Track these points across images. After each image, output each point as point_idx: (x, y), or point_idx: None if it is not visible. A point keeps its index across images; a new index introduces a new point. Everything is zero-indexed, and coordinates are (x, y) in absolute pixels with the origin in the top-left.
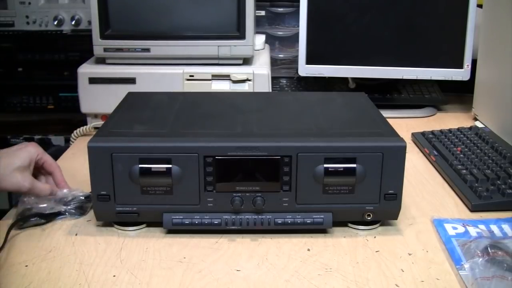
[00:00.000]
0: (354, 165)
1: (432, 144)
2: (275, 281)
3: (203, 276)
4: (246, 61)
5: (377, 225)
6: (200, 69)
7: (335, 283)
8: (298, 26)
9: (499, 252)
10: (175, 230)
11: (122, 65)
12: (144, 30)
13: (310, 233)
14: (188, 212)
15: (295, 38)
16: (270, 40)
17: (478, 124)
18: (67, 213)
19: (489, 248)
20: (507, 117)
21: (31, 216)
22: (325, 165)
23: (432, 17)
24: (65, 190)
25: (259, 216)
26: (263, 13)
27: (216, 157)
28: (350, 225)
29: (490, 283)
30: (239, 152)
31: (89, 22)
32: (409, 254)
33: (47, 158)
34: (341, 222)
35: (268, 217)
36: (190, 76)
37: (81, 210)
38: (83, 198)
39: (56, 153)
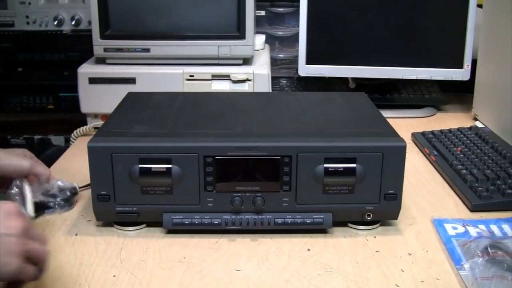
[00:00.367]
0: (354, 165)
1: (432, 144)
2: (275, 281)
3: (203, 276)
4: (246, 61)
5: (377, 225)
6: (200, 69)
7: (335, 283)
8: (298, 26)
9: (499, 252)
10: (175, 230)
11: (122, 65)
12: (144, 30)
13: (310, 233)
14: (188, 212)
15: (295, 38)
16: (270, 40)
17: (478, 124)
18: (56, 206)
19: (489, 248)
20: (507, 117)
21: None
22: (325, 165)
23: (432, 17)
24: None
25: (259, 216)
26: (263, 13)
27: (216, 157)
28: (350, 225)
29: (490, 283)
30: (239, 152)
31: (89, 22)
32: (409, 254)
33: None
34: (341, 222)
35: (268, 217)
36: (190, 76)
37: (69, 202)
38: (70, 190)
39: (56, 153)
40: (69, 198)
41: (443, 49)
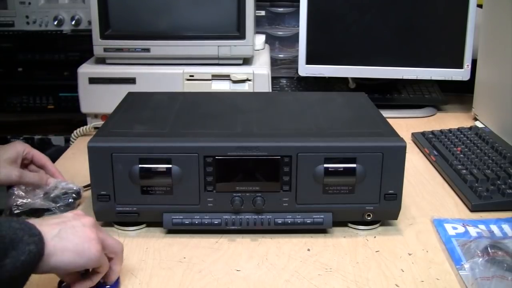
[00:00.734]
0: (354, 165)
1: (432, 144)
2: (275, 281)
3: (203, 276)
4: (246, 61)
5: (377, 225)
6: (200, 69)
7: (335, 283)
8: (298, 26)
9: (499, 252)
10: (175, 230)
11: (122, 65)
12: (144, 30)
13: (310, 233)
14: (188, 212)
15: (295, 38)
16: (270, 40)
17: (478, 124)
18: (57, 211)
19: (489, 248)
20: (507, 117)
21: (19, 214)
22: (325, 165)
23: (432, 17)
24: (57, 180)
25: (259, 216)
26: (263, 13)
27: (216, 157)
28: (350, 225)
29: (490, 283)
30: (239, 152)
31: (89, 22)
32: (409, 254)
33: (34, 153)
34: (341, 222)
35: (268, 217)
36: (190, 76)
37: (70, 207)
38: (73, 194)
39: (56, 153)
40: (70, 204)
41: (443, 49)
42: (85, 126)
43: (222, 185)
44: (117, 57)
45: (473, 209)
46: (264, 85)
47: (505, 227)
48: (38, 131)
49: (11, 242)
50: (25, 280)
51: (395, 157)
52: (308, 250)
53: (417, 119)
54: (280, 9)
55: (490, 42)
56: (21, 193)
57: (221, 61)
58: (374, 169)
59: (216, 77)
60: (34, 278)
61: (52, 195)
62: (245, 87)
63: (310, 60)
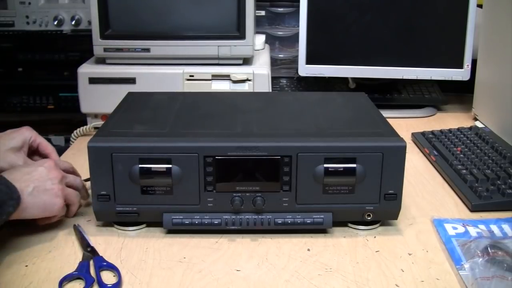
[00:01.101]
0: (354, 165)
1: (432, 144)
2: (275, 281)
3: (203, 276)
4: (246, 61)
5: (377, 225)
6: (200, 69)
7: (335, 283)
8: (298, 26)
9: (499, 252)
10: (175, 230)
11: (122, 65)
12: (144, 30)
13: (310, 233)
14: (188, 212)
15: (295, 38)
16: (270, 40)
17: (478, 124)
18: None
19: (489, 248)
20: (507, 117)
21: None
22: (325, 165)
23: (432, 17)
24: None
25: (259, 216)
26: (263, 13)
27: (216, 157)
28: (350, 225)
29: (490, 283)
30: (239, 152)
31: (89, 22)
32: (409, 254)
33: (41, 141)
34: (341, 222)
35: (268, 217)
36: (190, 76)
37: None
38: None
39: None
40: None
41: (443, 49)
42: (85, 126)
43: (222, 185)
44: (117, 57)
45: (473, 209)
46: (264, 85)
47: (505, 227)
48: (38, 131)
49: None
50: None
51: (395, 157)
52: (308, 250)
53: (417, 119)
54: (280, 9)
55: (490, 42)
56: None
57: (221, 61)
58: (374, 169)
59: (216, 77)
60: (34, 277)
61: None
62: (245, 87)
63: (310, 60)
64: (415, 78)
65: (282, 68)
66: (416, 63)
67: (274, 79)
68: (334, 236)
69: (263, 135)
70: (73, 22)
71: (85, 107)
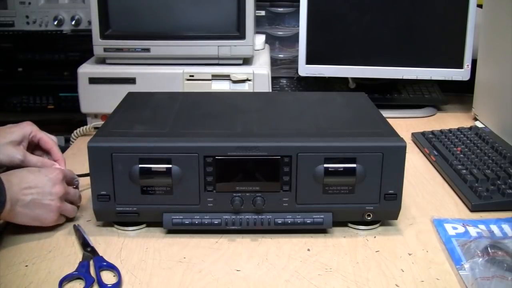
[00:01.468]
0: (354, 165)
1: (432, 144)
2: (275, 281)
3: (203, 276)
4: (246, 61)
5: (377, 225)
6: (200, 69)
7: (335, 283)
8: (298, 26)
9: (499, 252)
10: (175, 230)
11: (122, 65)
12: (144, 30)
13: (310, 233)
14: (188, 212)
15: (295, 38)
16: (270, 40)
17: (478, 124)
18: None
19: (489, 248)
20: (507, 117)
21: None
22: (325, 165)
23: (432, 17)
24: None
25: (259, 216)
26: (263, 13)
27: (216, 157)
28: (350, 225)
29: (490, 283)
30: (239, 152)
31: (89, 22)
32: (409, 254)
33: (42, 136)
34: (341, 222)
35: (268, 217)
36: (190, 76)
37: None
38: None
39: None
40: None
41: (443, 49)
42: (85, 126)
43: (222, 185)
44: (117, 57)
45: (473, 209)
46: (264, 85)
47: (505, 227)
48: None
49: None
50: None
51: (395, 157)
52: (308, 250)
53: (417, 119)
54: (280, 9)
55: (490, 42)
56: None
57: (221, 61)
58: (374, 169)
59: (216, 77)
60: (34, 277)
61: None
62: (245, 87)
63: (310, 60)
64: (415, 78)
65: (282, 68)
66: (416, 63)
67: (274, 79)
68: (334, 236)
69: (263, 135)
70: (73, 22)
71: (85, 107)
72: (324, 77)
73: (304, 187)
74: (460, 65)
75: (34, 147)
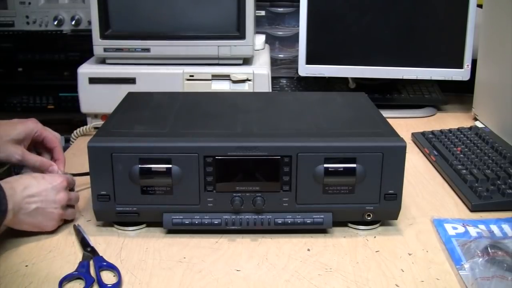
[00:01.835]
0: (354, 165)
1: (432, 144)
2: (275, 281)
3: (203, 276)
4: (246, 61)
5: (377, 225)
6: (200, 69)
7: (335, 283)
8: (298, 26)
9: (499, 252)
10: (175, 230)
11: (122, 65)
12: (144, 30)
13: (310, 233)
14: (188, 212)
15: (295, 38)
16: (270, 40)
17: (478, 124)
18: None
19: (489, 248)
20: (507, 117)
21: None
22: (325, 165)
23: (432, 17)
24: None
25: (259, 216)
26: (263, 13)
27: (216, 157)
28: (350, 225)
29: (490, 283)
30: (239, 152)
31: (89, 22)
32: (409, 254)
33: (47, 134)
34: (341, 222)
35: (268, 217)
36: (190, 76)
37: None
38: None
39: None
40: None
41: (443, 49)
42: (85, 126)
43: (222, 185)
44: (117, 57)
45: (473, 209)
46: (264, 85)
47: (505, 227)
48: None
49: None
50: None
51: (395, 157)
52: (308, 250)
53: (417, 119)
54: (280, 9)
55: (490, 42)
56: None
57: (221, 61)
58: (374, 169)
59: (216, 77)
60: (34, 277)
61: None
62: (245, 87)
63: (310, 60)
64: (415, 78)
65: (282, 68)
66: (416, 63)
67: (274, 79)
68: (334, 236)
69: (263, 135)
70: (73, 22)
71: (85, 107)
72: (324, 77)
73: (304, 187)
74: (460, 65)
75: (37, 143)
